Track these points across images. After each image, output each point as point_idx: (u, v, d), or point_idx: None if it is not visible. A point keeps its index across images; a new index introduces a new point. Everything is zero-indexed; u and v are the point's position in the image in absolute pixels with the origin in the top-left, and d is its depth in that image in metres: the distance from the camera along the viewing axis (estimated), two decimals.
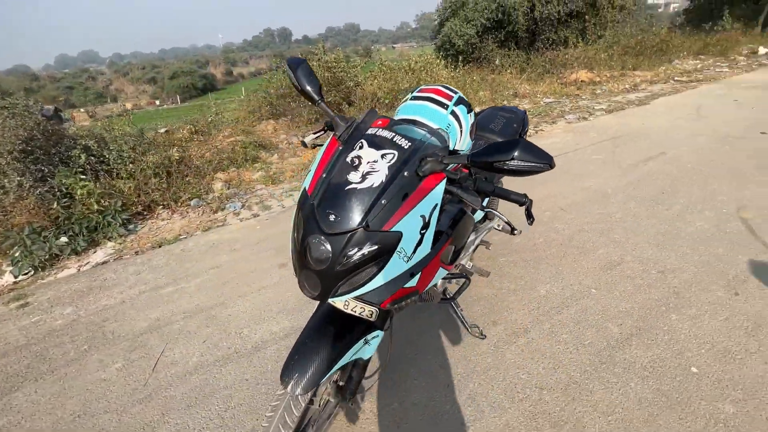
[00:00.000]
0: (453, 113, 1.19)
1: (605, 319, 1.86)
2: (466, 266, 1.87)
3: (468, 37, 11.49)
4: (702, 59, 11.47)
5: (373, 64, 9.78)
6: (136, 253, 3.20)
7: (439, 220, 1.09)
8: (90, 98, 43.37)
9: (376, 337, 1.18)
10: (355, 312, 1.02)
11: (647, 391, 1.50)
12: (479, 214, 1.77)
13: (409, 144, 0.98)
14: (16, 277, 3.03)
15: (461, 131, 1.21)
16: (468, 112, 1.24)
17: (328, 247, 0.89)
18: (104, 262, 3.12)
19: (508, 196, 1.09)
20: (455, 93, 1.25)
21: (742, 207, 2.75)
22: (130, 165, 4.19)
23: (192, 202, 4.06)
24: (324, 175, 0.97)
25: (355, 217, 0.89)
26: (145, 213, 3.91)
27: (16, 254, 3.11)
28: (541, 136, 5.14)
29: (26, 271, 3.08)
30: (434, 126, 1.14)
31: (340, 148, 1.01)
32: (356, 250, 0.89)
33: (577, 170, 3.74)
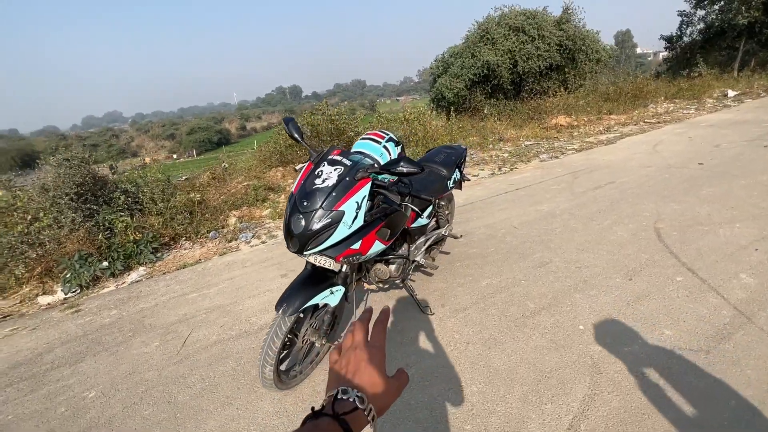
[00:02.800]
0: (385, 147, 1.91)
1: (526, 299, 2.43)
2: (419, 260, 2.49)
3: (458, 90, 12.76)
4: (676, 102, 12.46)
5: (375, 116, 10.86)
6: (164, 273, 3.86)
7: (376, 211, 1.76)
8: (113, 154, 47.03)
9: (338, 291, 1.80)
10: (321, 263, 1.66)
11: (543, 341, 2.05)
12: (422, 221, 2.43)
13: (350, 163, 1.68)
14: (66, 294, 3.70)
15: (390, 157, 1.92)
16: (396, 146, 1.96)
17: (303, 220, 1.56)
18: (138, 281, 3.78)
19: (419, 195, 1.77)
20: (387, 134, 1.98)
21: (659, 219, 3.35)
22: (160, 204, 4.98)
23: (210, 234, 4.78)
24: (303, 183, 1.66)
25: (318, 202, 1.57)
26: (170, 243, 4.62)
27: (67, 276, 3.80)
28: (514, 173, 5.87)
29: (74, 290, 3.75)
30: (372, 155, 1.85)
31: (312, 167, 1.70)
32: (318, 220, 1.56)
33: (536, 197, 4.41)
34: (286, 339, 1.70)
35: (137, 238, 4.31)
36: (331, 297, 1.79)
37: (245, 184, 6.82)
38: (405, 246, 2.36)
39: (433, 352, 2.07)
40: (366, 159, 1.81)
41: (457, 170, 2.75)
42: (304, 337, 1.84)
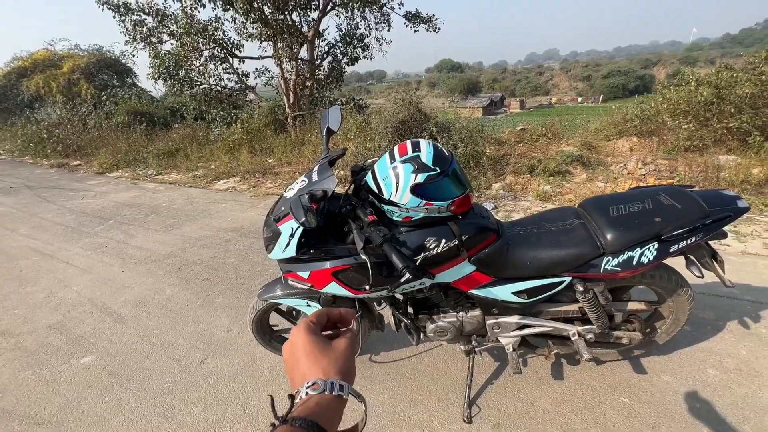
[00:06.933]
0: (395, 168, 1.26)
1: None
2: (503, 343, 1.60)
3: None
4: None
5: None
6: None
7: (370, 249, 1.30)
8: (527, 90, 52.42)
9: (314, 307, 1.60)
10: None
11: None
12: (504, 294, 1.44)
13: (316, 179, 1.29)
14: None
15: (397, 186, 1.26)
16: (413, 172, 1.23)
17: (264, 221, 1.46)
18: None
19: (391, 255, 1.16)
20: (415, 152, 1.26)
21: None
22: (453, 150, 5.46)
23: None
24: None
25: (275, 211, 1.39)
26: None
27: None
28: None
29: None
30: (378, 176, 1.30)
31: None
32: (266, 228, 1.41)
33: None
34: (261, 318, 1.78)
35: None
36: (307, 308, 1.63)
37: (566, 148, 6.02)
38: (477, 312, 1.58)
39: None
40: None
41: (653, 245, 1.30)
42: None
